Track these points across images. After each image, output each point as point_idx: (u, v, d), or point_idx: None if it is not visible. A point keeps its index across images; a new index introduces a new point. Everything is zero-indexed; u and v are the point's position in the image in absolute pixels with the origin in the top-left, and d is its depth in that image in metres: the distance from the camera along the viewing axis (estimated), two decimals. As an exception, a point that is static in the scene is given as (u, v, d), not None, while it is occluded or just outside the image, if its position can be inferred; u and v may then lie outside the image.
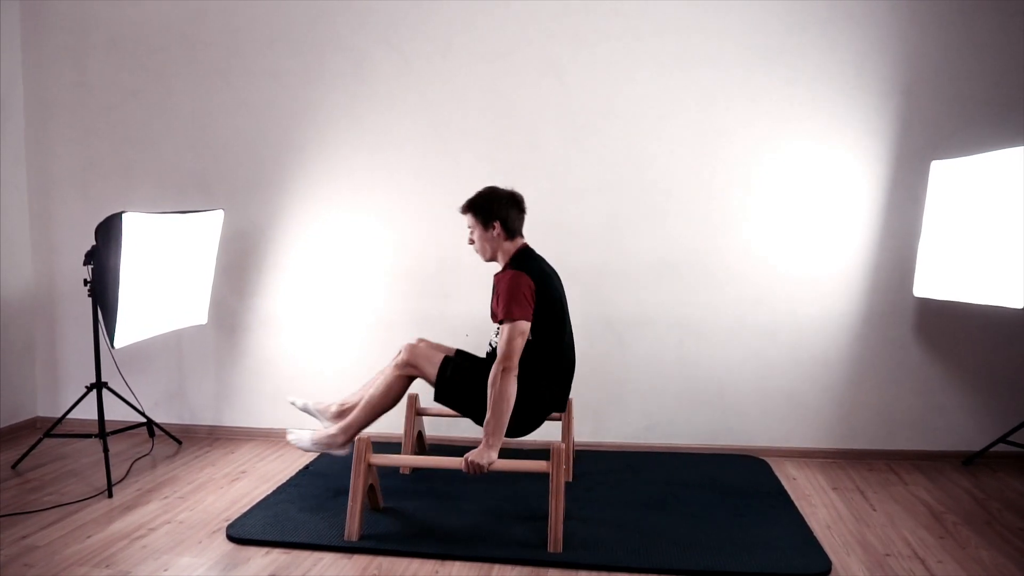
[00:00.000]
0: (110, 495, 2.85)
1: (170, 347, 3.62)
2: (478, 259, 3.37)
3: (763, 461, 3.15)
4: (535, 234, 3.32)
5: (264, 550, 2.41)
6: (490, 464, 2.40)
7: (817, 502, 2.74)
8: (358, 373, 3.49)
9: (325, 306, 3.51)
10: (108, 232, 2.76)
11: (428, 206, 3.40)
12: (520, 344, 2.44)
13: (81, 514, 2.69)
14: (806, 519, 2.56)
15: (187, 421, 3.66)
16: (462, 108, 3.33)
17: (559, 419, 3.03)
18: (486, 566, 2.28)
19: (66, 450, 3.39)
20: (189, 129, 3.53)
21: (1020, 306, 2.48)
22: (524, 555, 2.32)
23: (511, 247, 2.64)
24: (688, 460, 3.17)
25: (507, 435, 2.50)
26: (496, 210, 2.60)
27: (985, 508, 2.66)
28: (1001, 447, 3.03)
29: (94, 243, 2.91)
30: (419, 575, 2.24)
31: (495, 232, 2.60)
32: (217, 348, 3.61)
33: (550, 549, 2.34)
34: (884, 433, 3.19)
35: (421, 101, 3.35)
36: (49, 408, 3.76)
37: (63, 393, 3.74)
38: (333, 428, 2.73)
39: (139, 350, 3.48)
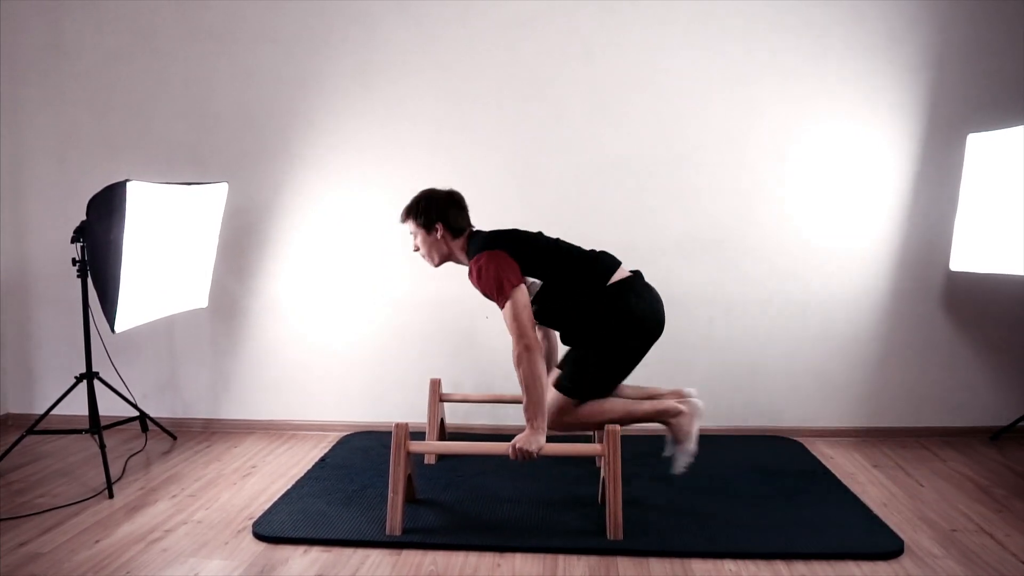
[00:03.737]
0: (111, 495, 2.59)
1: (160, 334, 3.33)
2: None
3: (796, 442, 3.09)
4: (560, 210, 3.19)
5: (301, 549, 2.20)
6: (539, 450, 2.25)
7: (863, 480, 2.69)
8: (369, 360, 3.31)
9: (332, 289, 3.29)
10: (109, 204, 2.49)
11: (444, 182, 3.20)
12: (527, 315, 2.27)
13: (82, 517, 2.42)
14: (860, 498, 2.50)
15: (180, 414, 3.38)
16: (481, 78, 3.15)
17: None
18: (550, 557, 2.14)
19: (47, 448, 3.08)
20: (181, 97, 3.24)
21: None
22: (588, 544, 2.19)
23: (460, 243, 2.50)
24: (721, 442, 3.07)
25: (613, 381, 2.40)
26: (435, 211, 2.47)
27: (1028, 481, 2.66)
28: (1027, 421, 3.06)
29: (84, 218, 2.64)
30: (480, 569, 2.08)
31: (438, 234, 2.48)
32: (213, 335, 3.35)
33: (610, 536, 2.21)
34: (912, 410, 3.17)
35: (437, 70, 3.16)
36: (22, 403, 3.43)
37: (38, 386, 3.41)
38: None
39: (125, 338, 3.18)
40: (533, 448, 2.23)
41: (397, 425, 2.30)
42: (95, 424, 2.77)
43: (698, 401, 2.45)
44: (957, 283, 3.10)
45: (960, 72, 3.02)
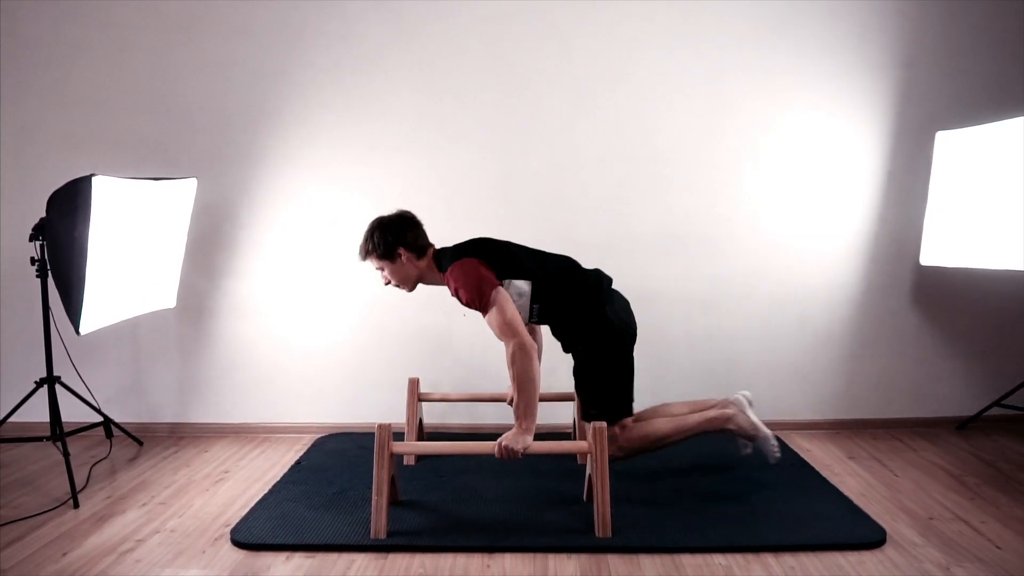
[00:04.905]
0: (75, 505, 2.47)
1: (124, 336, 3.21)
2: (479, 233, 3.19)
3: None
4: (538, 206, 3.17)
5: (283, 555, 2.13)
6: (525, 449, 2.22)
7: (840, 471, 2.73)
8: (343, 360, 3.24)
9: (305, 287, 3.21)
10: (72, 200, 2.37)
11: (421, 179, 3.16)
12: (511, 310, 2.28)
13: (47, 528, 2.31)
14: (839, 489, 2.54)
15: (145, 419, 3.26)
16: (459, 74, 3.11)
17: (571, 399, 2.89)
18: (540, 556, 2.11)
19: (6, 457, 2.95)
20: (146, 90, 3.12)
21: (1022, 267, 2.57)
22: (578, 542, 2.17)
23: (427, 262, 2.47)
24: (700, 437, 3.08)
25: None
26: (392, 238, 2.42)
27: (997, 469, 2.73)
28: (992, 411, 3.14)
29: (44, 215, 2.51)
30: (469, 570, 2.04)
31: (403, 260, 2.43)
32: (180, 336, 3.23)
33: (599, 534, 2.20)
34: (883, 402, 3.24)
35: (415, 66, 3.10)
36: (-26, 411, 3.26)
37: (-7, 392, 3.25)
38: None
39: (88, 340, 3.04)
40: (519, 447, 2.20)
41: (380, 426, 2.25)
42: (57, 431, 2.65)
43: (742, 395, 2.59)
44: (927, 278, 3.18)
45: (930, 71, 3.09)
